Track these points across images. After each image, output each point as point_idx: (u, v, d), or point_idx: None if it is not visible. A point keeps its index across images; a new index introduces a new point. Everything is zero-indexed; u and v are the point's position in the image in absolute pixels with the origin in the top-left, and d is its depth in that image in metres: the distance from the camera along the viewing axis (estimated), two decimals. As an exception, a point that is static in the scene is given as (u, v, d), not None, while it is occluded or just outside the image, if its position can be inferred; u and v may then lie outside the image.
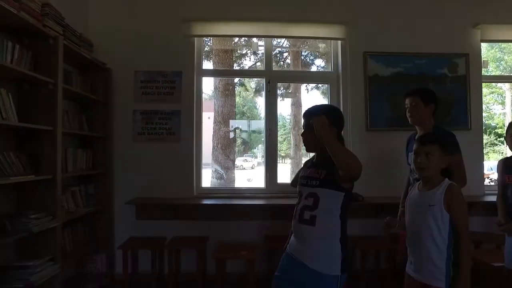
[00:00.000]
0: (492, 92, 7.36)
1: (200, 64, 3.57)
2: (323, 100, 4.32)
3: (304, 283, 1.48)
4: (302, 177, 1.68)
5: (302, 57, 7.45)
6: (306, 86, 5.54)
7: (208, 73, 3.70)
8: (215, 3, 3.46)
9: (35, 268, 2.13)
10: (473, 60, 3.61)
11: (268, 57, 3.67)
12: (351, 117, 3.49)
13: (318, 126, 1.45)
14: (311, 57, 7.72)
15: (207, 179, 4.19)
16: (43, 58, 2.44)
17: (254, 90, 8.48)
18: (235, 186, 4.23)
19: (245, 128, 5.84)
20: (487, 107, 8.50)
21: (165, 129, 3.37)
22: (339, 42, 3.63)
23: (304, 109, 3.64)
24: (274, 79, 3.61)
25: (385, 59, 3.56)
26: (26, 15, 2.20)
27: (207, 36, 3.54)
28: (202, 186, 3.54)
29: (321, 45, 4.01)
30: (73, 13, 3.00)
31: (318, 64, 7.47)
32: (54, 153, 2.42)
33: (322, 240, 1.49)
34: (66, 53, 2.59)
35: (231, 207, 3.27)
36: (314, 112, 1.62)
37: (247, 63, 7.57)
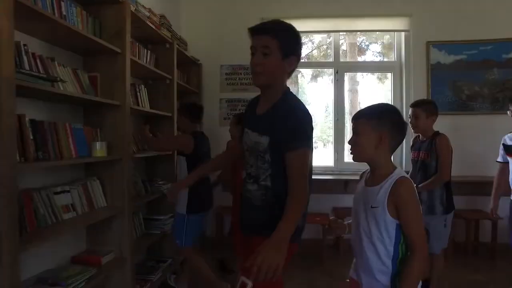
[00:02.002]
0: None
1: (276, 57, 4.07)
2: (377, 86, 4.59)
3: None
4: None
5: (358, 43, 7.62)
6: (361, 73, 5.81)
7: (283, 65, 4.18)
8: (288, 2, 3.90)
9: (165, 221, 2.84)
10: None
11: (336, 50, 4.06)
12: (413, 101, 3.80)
13: None
14: (366, 43, 7.86)
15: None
16: (161, 59, 3.09)
17: (310, 76, 8.82)
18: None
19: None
20: None
21: (247, 115, 3.95)
22: (403, 33, 3.91)
23: (360, 95, 3.96)
24: (341, 69, 4.01)
25: (448, 47, 3.78)
26: (153, 26, 2.83)
27: (282, 32, 4.00)
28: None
29: (385, 37, 4.29)
30: (169, 16, 3.60)
31: (373, 50, 7.61)
32: (172, 133, 3.09)
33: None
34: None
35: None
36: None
37: (304, 51, 7.91)
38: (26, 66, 1.53)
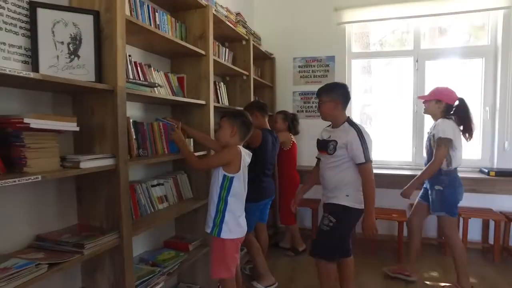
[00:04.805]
0: None
1: (350, 48, 3.93)
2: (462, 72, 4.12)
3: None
4: None
5: (437, 25, 6.96)
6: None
7: (358, 55, 3.99)
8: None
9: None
10: None
11: (417, 36, 3.77)
12: (511, 90, 3.40)
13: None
14: (449, 24, 7.13)
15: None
16: (238, 55, 3.20)
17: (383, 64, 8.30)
18: (384, 158, 3.98)
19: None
20: None
21: (321, 108, 3.90)
22: (500, 11, 3.47)
23: (427, 83, 3.58)
24: (422, 58, 3.72)
25: (559, 25, 3.26)
26: (231, 25, 2.93)
27: (357, 22, 3.80)
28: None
29: (476, 17, 3.85)
30: (243, 12, 3.69)
31: (458, 32, 6.86)
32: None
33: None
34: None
35: (379, 176, 3.64)
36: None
37: (375, 38, 7.52)
38: (130, 74, 1.73)
